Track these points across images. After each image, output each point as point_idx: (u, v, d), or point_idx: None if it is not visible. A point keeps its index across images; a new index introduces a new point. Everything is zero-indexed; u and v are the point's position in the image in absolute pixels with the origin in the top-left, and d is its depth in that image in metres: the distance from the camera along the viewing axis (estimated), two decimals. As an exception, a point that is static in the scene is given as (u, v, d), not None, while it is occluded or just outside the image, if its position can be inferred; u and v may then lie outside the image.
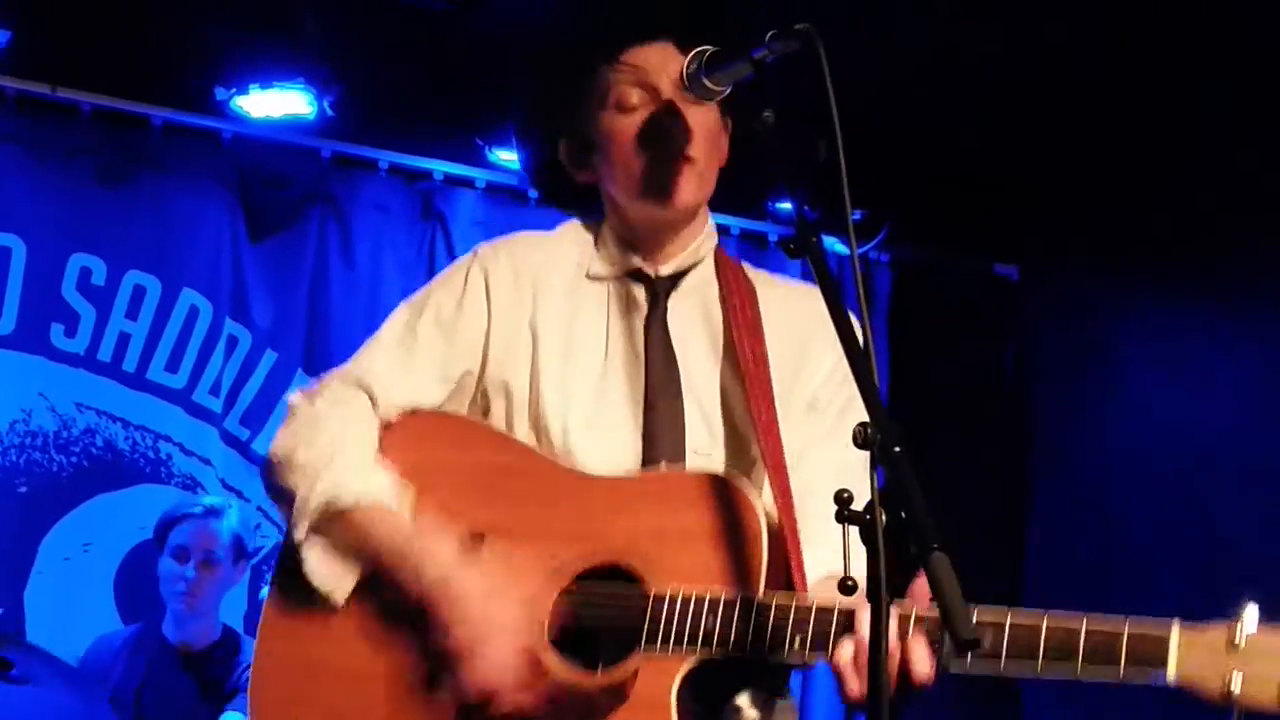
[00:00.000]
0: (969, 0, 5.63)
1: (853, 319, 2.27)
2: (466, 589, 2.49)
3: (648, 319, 2.73)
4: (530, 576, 2.50)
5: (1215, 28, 5.58)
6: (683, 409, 2.68)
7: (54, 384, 5.94)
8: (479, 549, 2.56)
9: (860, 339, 2.24)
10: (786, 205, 6.50)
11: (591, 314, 2.75)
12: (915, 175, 6.62)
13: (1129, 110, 6.15)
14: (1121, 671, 2.18)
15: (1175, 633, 2.17)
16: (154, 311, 6.12)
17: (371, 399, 2.71)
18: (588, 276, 2.78)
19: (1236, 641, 2.12)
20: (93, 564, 5.94)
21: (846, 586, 2.19)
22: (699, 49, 2.48)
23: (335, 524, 2.60)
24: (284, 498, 2.66)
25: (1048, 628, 2.21)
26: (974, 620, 2.14)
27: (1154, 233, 6.41)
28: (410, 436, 2.70)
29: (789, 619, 2.36)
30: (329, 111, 6.05)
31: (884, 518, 2.05)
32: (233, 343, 6.23)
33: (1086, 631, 2.20)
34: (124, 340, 6.08)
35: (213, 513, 5.50)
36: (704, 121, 2.67)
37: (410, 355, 2.74)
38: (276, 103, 6.00)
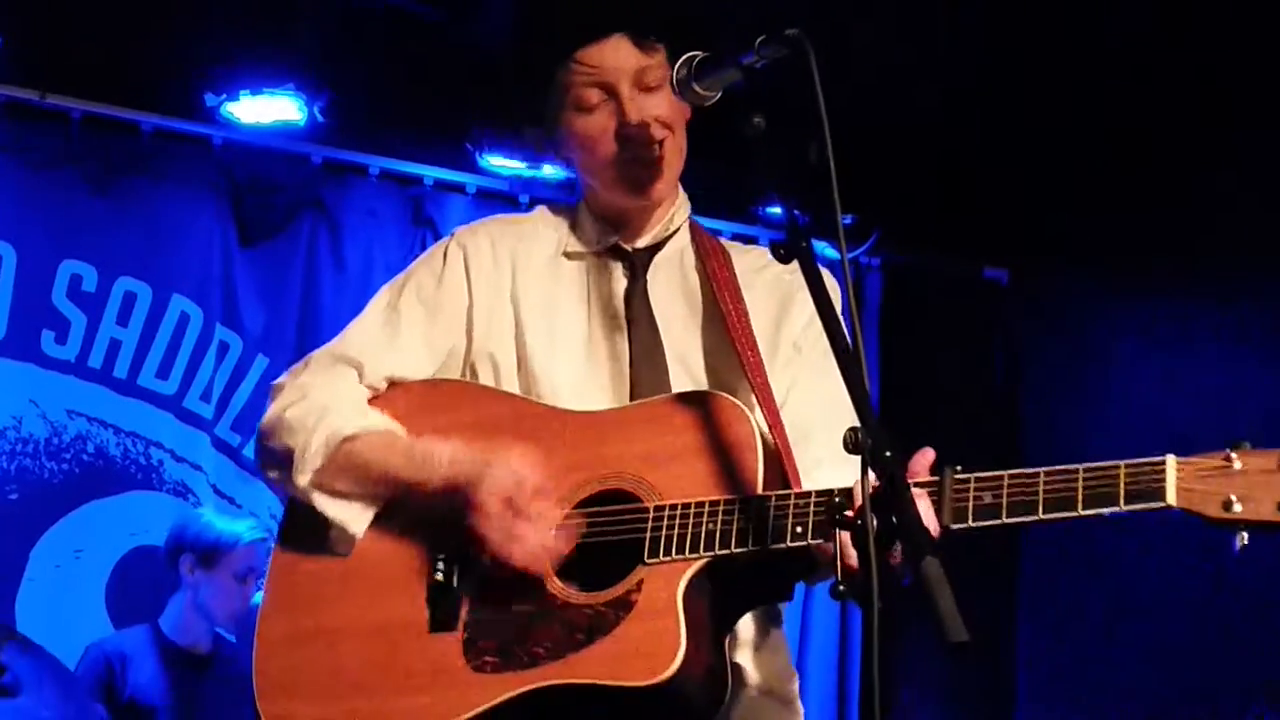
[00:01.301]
0: (959, 5, 5.64)
1: (842, 321, 2.30)
2: (479, 463, 2.51)
3: (628, 290, 2.79)
4: (543, 496, 2.52)
5: (1205, 32, 5.59)
6: (667, 369, 2.73)
7: (45, 391, 5.94)
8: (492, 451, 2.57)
9: (850, 343, 2.25)
10: (777, 210, 6.52)
11: (572, 288, 2.80)
12: (905, 180, 6.63)
13: (1119, 116, 6.17)
14: (1122, 506, 2.20)
15: (1171, 462, 2.21)
16: (145, 318, 6.12)
17: (358, 371, 2.75)
18: (565, 255, 2.83)
19: (1234, 464, 2.17)
20: (84, 571, 5.93)
21: (839, 592, 2.21)
22: (689, 54, 2.50)
23: (339, 458, 2.62)
24: (281, 459, 2.67)
25: (1045, 476, 2.24)
26: (963, 625, 2.14)
27: (1143, 237, 6.43)
28: (399, 403, 2.73)
29: (789, 508, 2.39)
30: (319, 117, 6.05)
31: (875, 523, 2.06)
32: (224, 349, 6.23)
33: (1084, 476, 2.23)
34: (115, 347, 6.08)
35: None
36: (665, 108, 2.71)
37: (394, 330, 2.79)
38: (267, 109, 6.00)
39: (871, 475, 2.14)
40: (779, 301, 2.78)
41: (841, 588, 2.29)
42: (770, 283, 2.79)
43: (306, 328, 6.34)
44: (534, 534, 2.47)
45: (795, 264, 2.48)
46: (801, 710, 2.77)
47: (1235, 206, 6.07)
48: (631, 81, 2.69)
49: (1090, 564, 6.47)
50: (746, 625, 2.64)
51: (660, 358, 2.73)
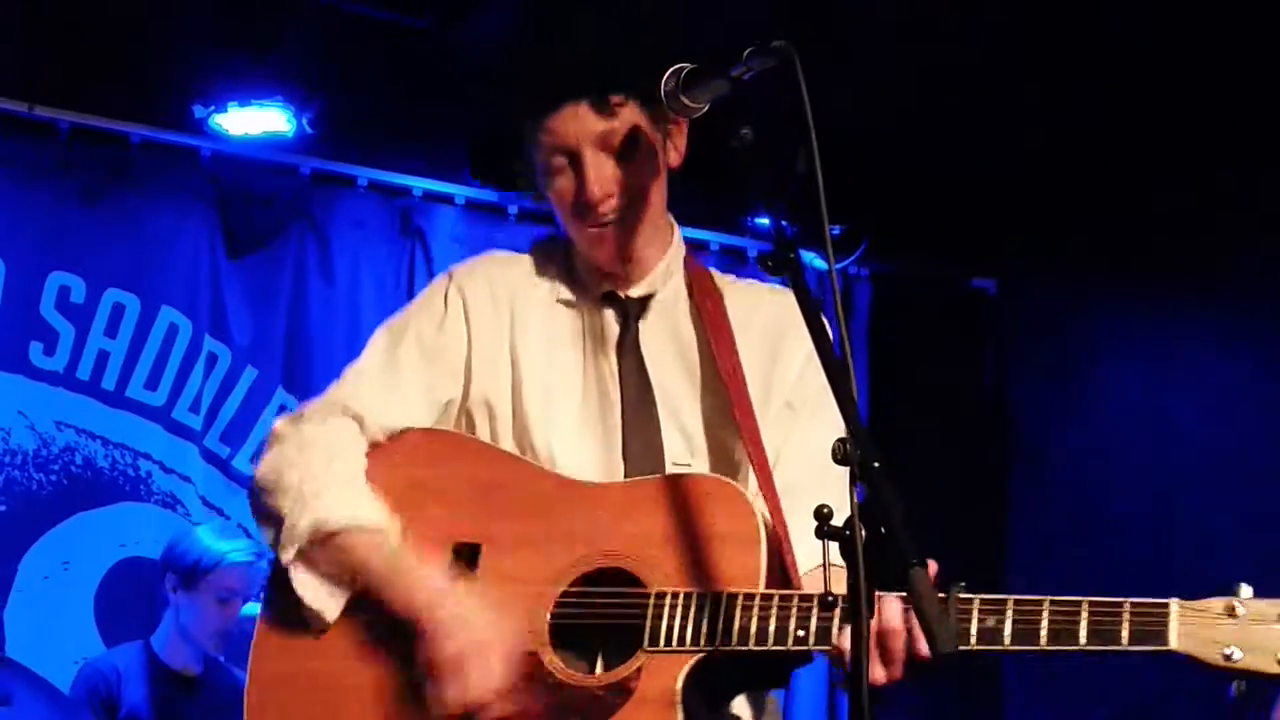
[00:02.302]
0: (947, 16, 5.65)
1: (830, 330, 2.30)
2: (456, 608, 2.51)
3: (620, 343, 2.78)
4: (529, 584, 2.52)
5: (1197, 39, 5.60)
6: (659, 426, 2.71)
7: (33, 402, 5.93)
8: (473, 566, 2.58)
9: (839, 353, 2.26)
10: (765, 221, 6.52)
11: (567, 338, 2.80)
12: (894, 190, 6.63)
13: (1106, 125, 6.18)
14: (1125, 645, 2.21)
15: (1174, 607, 2.20)
16: (133, 329, 6.11)
17: (359, 423, 2.73)
18: (560, 302, 2.83)
19: (1236, 613, 2.16)
20: (72, 582, 5.92)
21: (827, 602, 2.22)
22: (676, 66, 2.50)
23: (324, 547, 2.61)
24: (271, 520, 2.67)
25: (1050, 609, 2.24)
26: (956, 634, 2.15)
27: (1131, 246, 6.44)
28: (400, 454, 2.72)
29: (792, 611, 2.38)
30: (308, 129, 6.05)
31: (864, 533, 2.06)
32: (212, 360, 6.22)
33: (1089, 612, 2.23)
34: (103, 358, 6.07)
35: (261, 555, 5.45)
36: (631, 169, 2.71)
37: (395, 380, 2.76)
38: (255, 120, 6.00)
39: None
40: (770, 351, 2.77)
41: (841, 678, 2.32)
42: (762, 326, 2.78)
43: (295, 338, 6.33)
44: (467, 694, 2.46)
45: (789, 301, 2.48)
46: None
47: (1227, 213, 6.08)
48: (596, 146, 2.69)
49: (1077, 575, 6.48)
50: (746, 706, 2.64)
51: (651, 411, 2.72)
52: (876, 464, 2.10)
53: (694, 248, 7.33)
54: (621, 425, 2.71)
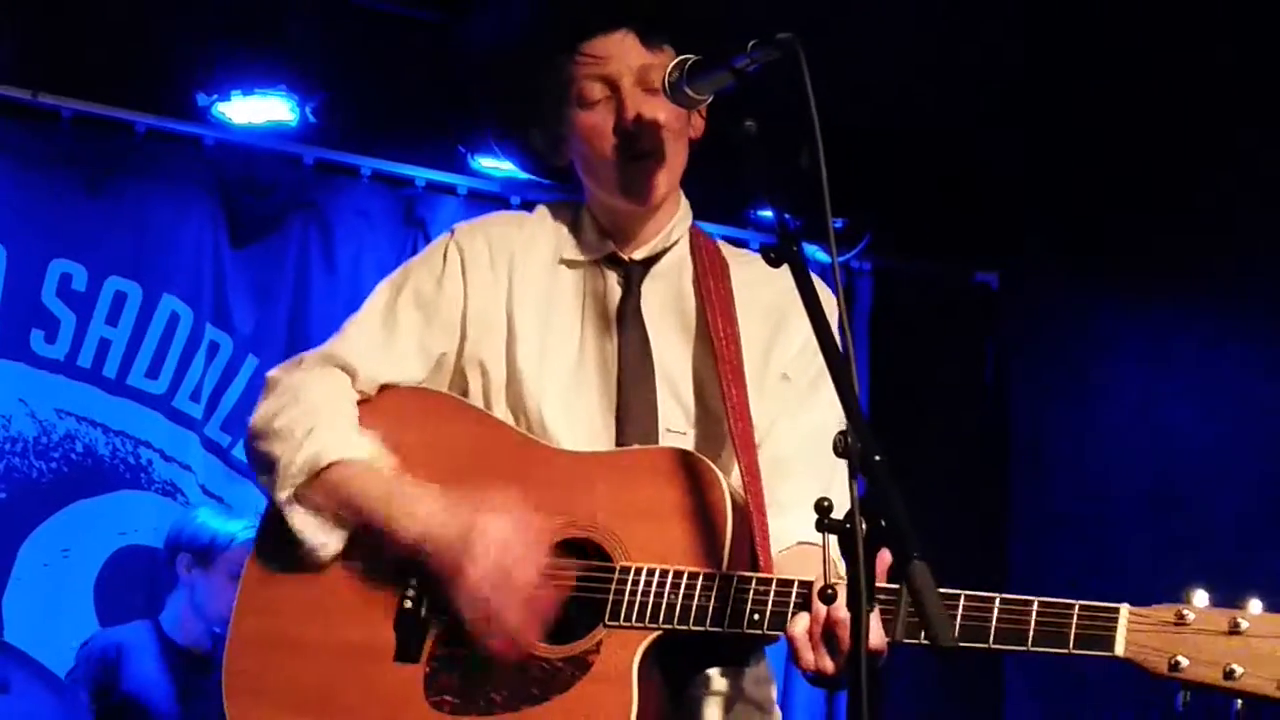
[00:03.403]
0: (950, 11, 5.64)
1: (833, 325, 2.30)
2: (466, 519, 2.50)
3: (621, 304, 2.77)
4: (534, 569, 2.51)
5: (1201, 33, 5.60)
6: (655, 390, 2.72)
7: (34, 390, 5.93)
8: (474, 510, 2.56)
9: (841, 346, 2.25)
10: (768, 213, 6.51)
11: (566, 300, 2.79)
12: (897, 183, 6.63)
13: (1110, 119, 6.18)
14: (1071, 649, 2.21)
15: (1124, 612, 2.20)
16: (134, 317, 6.11)
17: (351, 375, 2.75)
18: (562, 262, 2.82)
19: (1186, 620, 2.15)
20: (72, 570, 5.92)
21: (826, 595, 2.22)
22: (681, 57, 2.50)
23: (320, 482, 2.62)
24: (266, 464, 2.68)
25: (1000, 608, 2.25)
26: (956, 629, 2.15)
27: (1135, 240, 6.43)
28: (387, 412, 2.73)
29: (749, 594, 2.40)
30: (311, 118, 6.05)
31: (864, 526, 2.06)
32: (213, 349, 6.22)
33: (1038, 612, 2.23)
34: (104, 346, 6.07)
35: None
36: (662, 112, 2.69)
37: (390, 334, 2.79)
38: (259, 109, 5.99)
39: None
40: (773, 325, 2.76)
41: (812, 676, 2.35)
42: (767, 304, 2.77)
43: (297, 328, 6.33)
44: (514, 620, 2.46)
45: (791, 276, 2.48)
46: (779, 715, 2.77)
47: (1229, 210, 6.07)
48: (635, 79, 2.68)
49: (1078, 571, 6.47)
50: (720, 672, 2.65)
51: (649, 376, 2.72)
52: (877, 457, 2.09)
53: (696, 240, 7.29)
54: (617, 390, 2.71)
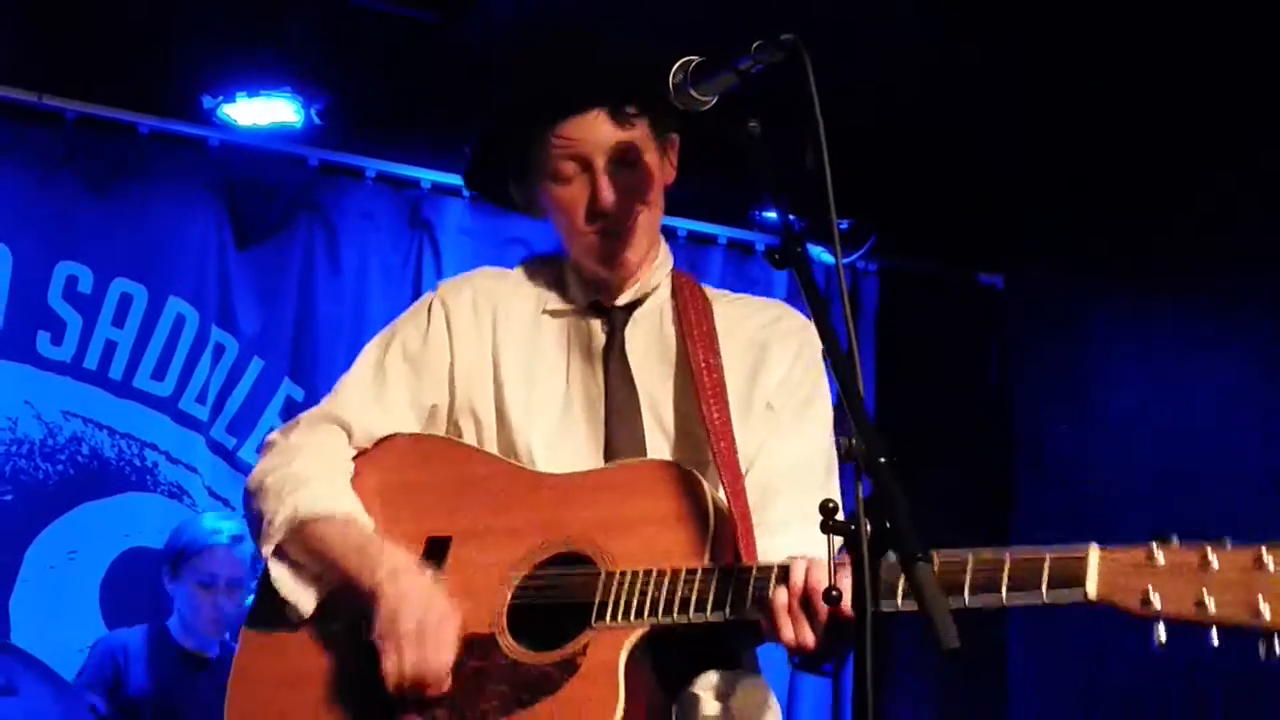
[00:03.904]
0: (955, 13, 5.64)
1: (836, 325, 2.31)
2: (418, 582, 2.58)
3: (606, 348, 2.83)
4: (491, 571, 2.59)
5: (1204, 35, 5.60)
6: (642, 426, 2.77)
7: (40, 392, 5.93)
8: (443, 558, 2.65)
9: (845, 348, 2.26)
10: (773, 215, 6.51)
11: (551, 346, 2.86)
12: (902, 185, 6.63)
13: (1115, 121, 6.18)
14: (1045, 596, 2.21)
15: (1094, 553, 2.20)
16: (140, 319, 6.11)
17: (347, 432, 2.82)
18: (546, 312, 2.89)
19: (1155, 560, 2.16)
20: (78, 572, 5.93)
21: (831, 597, 2.23)
22: (684, 59, 2.50)
23: (298, 538, 2.70)
24: (254, 524, 2.77)
25: (973, 563, 2.26)
26: (955, 631, 2.15)
27: (1138, 242, 6.44)
28: (384, 459, 2.81)
29: (731, 581, 2.43)
30: (316, 120, 6.05)
31: (868, 528, 2.06)
32: (219, 350, 6.22)
33: (1010, 563, 2.24)
34: (110, 348, 6.08)
35: (237, 540, 5.48)
36: (638, 180, 2.77)
37: (381, 389, 2.85)
38: (263, 111, 6.00)
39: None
40: (756, 355, 2.81)
41: (797, 661, 2.39)
42: (750, 335, 2.83)
43: (302, 330, 6.34)
44: (433, 675, 2.53)
45: (778, 315, 2.70)
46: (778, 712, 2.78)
47: (1232, 211, 6.08)
48: (608, 157, 2.75)
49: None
50: (713, 677, 2.66)
51: (635, 412, 2.77)
52: (882, 459, 2.10)
53: (702, 241, 7.37)
54: (605, 427, 2.77)
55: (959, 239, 7.03)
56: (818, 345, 2.55)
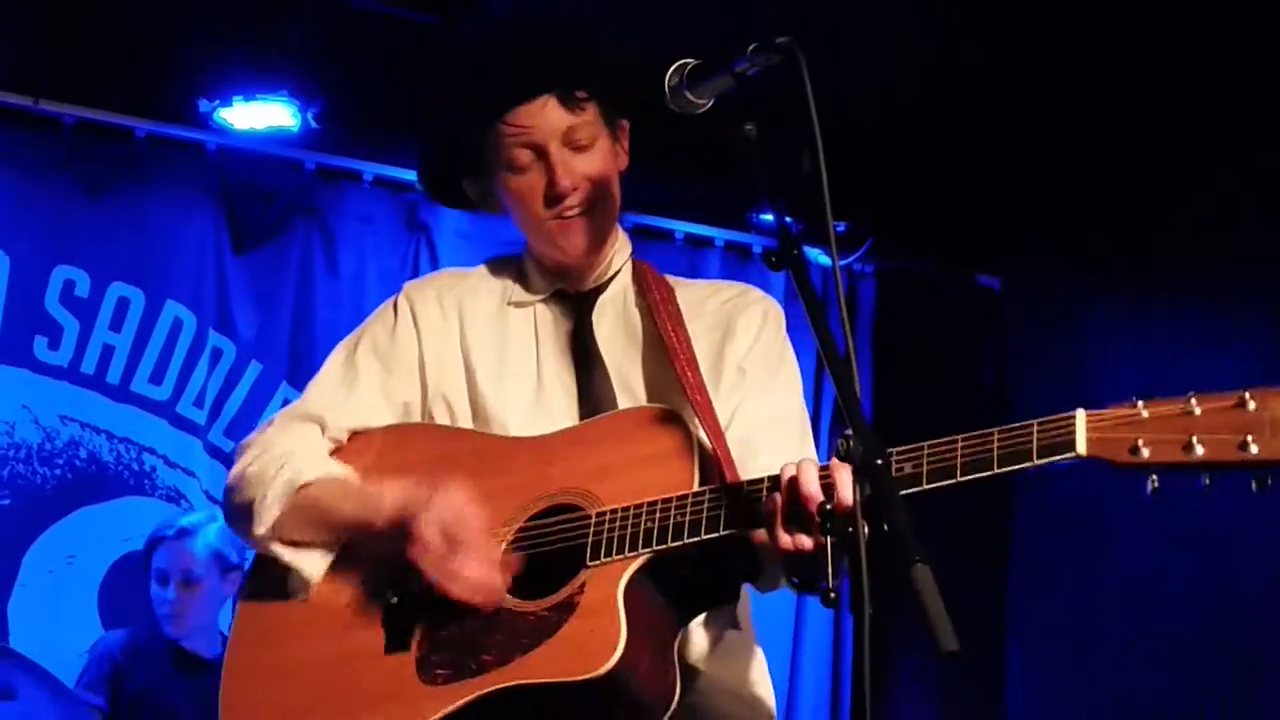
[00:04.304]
0: (952, 15, 5.65)
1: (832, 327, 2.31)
2: (436, 495, 2.58)
3: (573, 329, 2.87)
4: (484, 530, 2.58)
5: (1203, 34, 5.60)
6: (615, 400, 2.79)
7: (38, 396, 5.94)
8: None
9: (843, 350, 2.26)
10: (770, 217, 6.52)
11: (519, 335, 2.88)
12: (899, 187, 6.63)
13: (1112, 123, 6.18)
14: (1035, 458, 2.23)
15: (1080, 414, 2.26)
16: (138, 323, 6.12)
17: (320, 425, 2.83)
18: (511, 304, 2.92)
19: (1140, 414, 2.25)
20: (76, 576, 5.93)
21: (829, 599, 2.23)
22: (680, 62, 2.51)
23: (296, 503, 2.70)
24: (244, 513, 2.75)
25: (962, 442, 2.29)
26: (954, 633, 2.15)
27: (1137, 243, 6.44)
28: (362, 450, 2.82)
29: (721, 499, 2.44)
30: (313, 123, 6.05)
31: (866, 529, 2.07)
32: (217, 354, 6.22)
33: (999, 435, 2.26)
34: (108, 352, 6.08)
35: (185, 533, 5.49)
36: (590, 166, 2.80)
37: (352, 384, 2.86)
38: (260, 115, 6.00)
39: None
40: (722, 327, 2.84)
41: (796, 581, 2.41)
42: (714, 311, 2.87)
43: (300, 334, 6.34)
44: (473, 569, 2.53)
45: (740, 290, 2.77)
46: (773, 712, 2.79)
47: (1232, 211, 6.08)
48: (561, 141, 2.78)
49: (1079, 565, 6.48)
50: (701, 630, 2.68)
51: (608, 391, 2.80)
52: (880, 461, 2.10)
53: (699, 244, 7.37)
54: (579, 409, 2.78)
55: (956, 241, 7.04)
56: (781, 315, 2.72)
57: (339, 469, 2.75)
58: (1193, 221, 6.19)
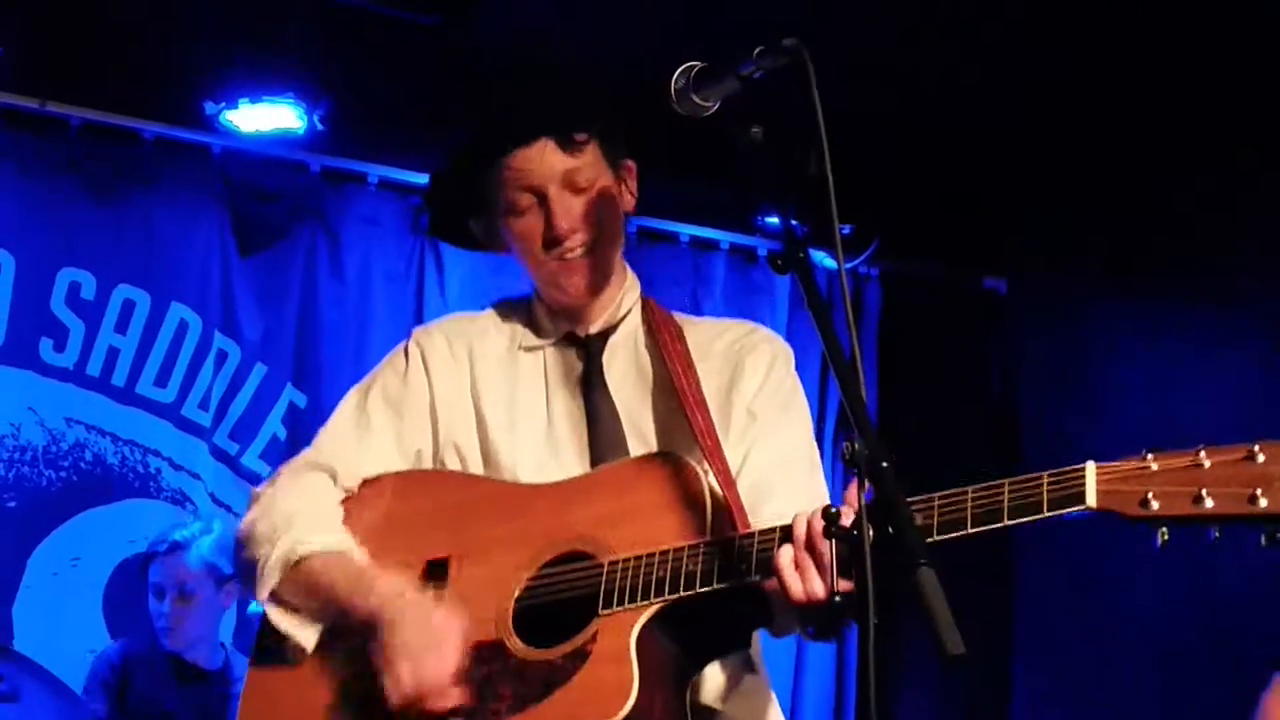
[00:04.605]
0: (958, 18, 5.64)
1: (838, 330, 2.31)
2: (415, 600, 2.59)
3: (584, 375, 2.86)
4: (493, 581, 2.60)
5: (1202, 40, 5.59)
6: (627, 448, 2.79)
7: (43, 398, 5.93)
8: (443, 579, 2.66)
9: (848, 353, 2.26)
10: (775, 220, 6.50)
11: (529, 379, 2.89)
12: (904, 189, 6.63)
13: (1117, 124, 6.17)
14: (1045, 510, 2.25)
15: (1091, 467, 2.27)
16: (143, 325, 6.11)
17: (331, 476, 2.83)
18: (521, 349, 2.92)
19: (1149, 467, 2.23)
20: (81, 579, 5.93)
21: (834, 602, 2.22)
22: (687, 65, 2.51)
23: (294, 577, 2.71)
24: (248, 572, 2.77)
25: (972, 494, 2.28)
26: (960, 637, 2.15)
27: (1142, 246, 6.43)
28: (372, 498, 2.82)
29: (734, 548, 2.44)
30: (318, 125, 6.05)
31: (871, 533, 2.06)
32: (222, 357, 6.22)
33: (1010, 487, 2.27)
34: (113, 354, 6.08)
35: (178, 547, 5.49)
36: (592, 207, 2.81)
37: (364, 432, 2.87)
38: (266, 117, 6.00)
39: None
40: (731, 369, 2.84)
41: (812, 631, 2.42)
42: (722, 353, 2.87)
43: (305, 336, 6.34)
44: (437, 686, 2.52)
45: (748, 330, 2.80)
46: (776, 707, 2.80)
47: (1234, 214, 6.07)
48: (560, 184, 2.79)
49: (1085, 575, 6.47)
50: (717, 672, 2.68)
51: (619, 434, 2.80)
52: (885, 464, 2.10)
53: (704, 247, 7.35)
54: (591, 453, 2.79)
55: (962, 244, 7.03)
56: (790, 355, 2.74)
57: (339, 541, 2.74)
58: (1197, 224, 6.18)
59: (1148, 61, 5.77)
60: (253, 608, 5.47)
